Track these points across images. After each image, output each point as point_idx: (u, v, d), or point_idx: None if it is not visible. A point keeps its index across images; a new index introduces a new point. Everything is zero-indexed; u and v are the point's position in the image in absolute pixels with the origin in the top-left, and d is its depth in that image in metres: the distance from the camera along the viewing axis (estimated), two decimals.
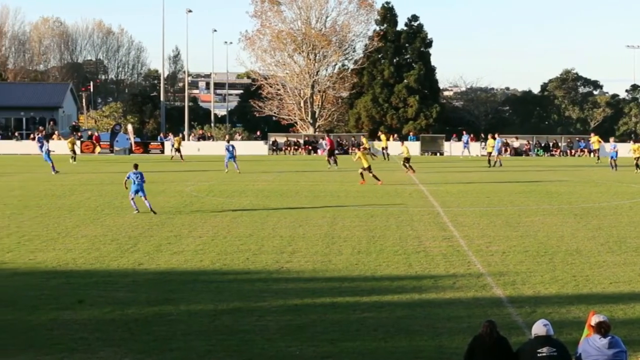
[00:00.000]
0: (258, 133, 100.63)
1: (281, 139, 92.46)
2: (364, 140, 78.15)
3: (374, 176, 48.66)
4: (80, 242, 27.83)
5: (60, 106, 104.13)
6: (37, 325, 17.57)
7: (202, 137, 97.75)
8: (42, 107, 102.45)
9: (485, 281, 21.90)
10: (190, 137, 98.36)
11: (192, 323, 17.76)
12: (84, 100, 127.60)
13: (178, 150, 75.06)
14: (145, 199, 35.06)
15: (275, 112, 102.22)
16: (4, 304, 19.23)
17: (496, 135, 71.99)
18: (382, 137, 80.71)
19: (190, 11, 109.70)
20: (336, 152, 70.31)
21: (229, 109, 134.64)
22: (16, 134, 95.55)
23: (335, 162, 64.11)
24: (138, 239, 28.30)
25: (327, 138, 71.97)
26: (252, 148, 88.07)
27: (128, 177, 35.46)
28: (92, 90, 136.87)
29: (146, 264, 24.14)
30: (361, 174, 48.93)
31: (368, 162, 49.02)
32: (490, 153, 67.82)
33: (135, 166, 36.43)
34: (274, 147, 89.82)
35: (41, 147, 68.97)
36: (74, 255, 25.46)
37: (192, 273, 22.99)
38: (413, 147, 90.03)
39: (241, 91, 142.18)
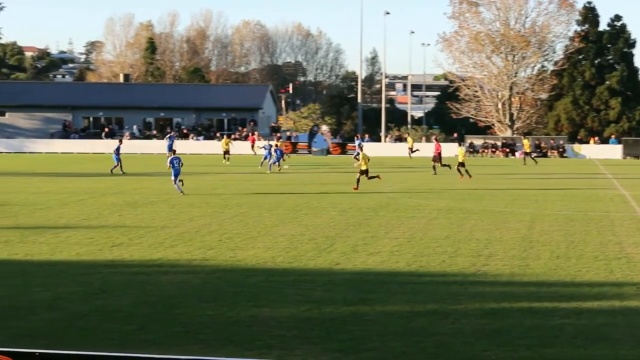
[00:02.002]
0: (455, 135, 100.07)
1: (478, 141, 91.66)
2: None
3: (370, 177, 47.11)
4: (279, 240, 28.32)
5: (260, 107, 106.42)
6: (237, 321, 17.95)
7: (399, 139, 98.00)
8: (243, 108, 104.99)
9: None
10: (387, 139, 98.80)
11: (388, 324, 17.78)
12: (283, 101, 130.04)
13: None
14: (178, 182, 41.40)
15: (472, 114, 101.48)
16: (205, 300, 19.75)
17: None
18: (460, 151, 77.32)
19: (388, 13, 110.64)
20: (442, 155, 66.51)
21: (426, 111, 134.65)
22: (217, 134, 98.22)
23: (434, 167, 59.34)
24: (335, 239, 28.58)
25: (435, 142, 69.49)
26: (448, 150, 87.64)
27: (170, 163, 41.53)
28: (291, 91, 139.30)
29: (343, 264, 24.32)
30: (358, 179, 46.51)
31: (366, 166, 47.32)
32: None
33: (174, 152, 44.09)
34: (471, 149, 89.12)
35: (170, 145, 67.87)
36: (273, 253, 25.92)
37: (388, 274, 23.02)
38: (615, 151, 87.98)
39: (438, 93, 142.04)
